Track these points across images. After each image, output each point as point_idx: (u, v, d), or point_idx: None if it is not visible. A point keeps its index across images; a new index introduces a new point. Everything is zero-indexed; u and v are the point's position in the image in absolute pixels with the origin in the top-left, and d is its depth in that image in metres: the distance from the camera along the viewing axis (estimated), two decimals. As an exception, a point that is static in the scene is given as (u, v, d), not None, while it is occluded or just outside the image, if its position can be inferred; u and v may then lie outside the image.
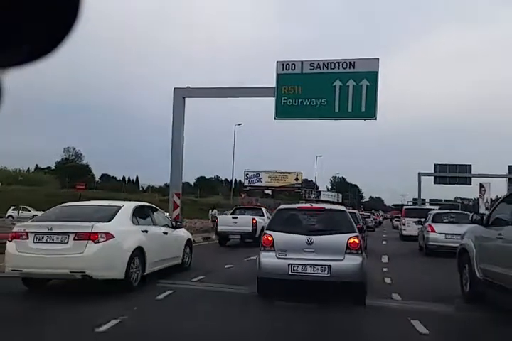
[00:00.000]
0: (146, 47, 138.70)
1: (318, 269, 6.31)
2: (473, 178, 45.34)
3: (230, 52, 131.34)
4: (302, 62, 17.92)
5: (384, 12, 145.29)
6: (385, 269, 10.25)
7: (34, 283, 7.00)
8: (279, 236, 6.63)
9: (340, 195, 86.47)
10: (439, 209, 22.54)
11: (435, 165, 44.97)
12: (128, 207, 7.65)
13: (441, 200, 70.36)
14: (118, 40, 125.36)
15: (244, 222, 15.91)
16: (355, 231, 6.69)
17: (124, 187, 55.65)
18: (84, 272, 6.39)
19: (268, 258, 6.57)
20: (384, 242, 19.44)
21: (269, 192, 73.62)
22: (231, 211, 19.09)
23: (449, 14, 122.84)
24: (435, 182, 44.85)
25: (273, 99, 18.13)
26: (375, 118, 17.50)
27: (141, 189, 77.53)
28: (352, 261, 6.36)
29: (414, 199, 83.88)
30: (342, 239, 6.48)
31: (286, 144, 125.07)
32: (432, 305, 6.45)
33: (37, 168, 76.87)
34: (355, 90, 17.53)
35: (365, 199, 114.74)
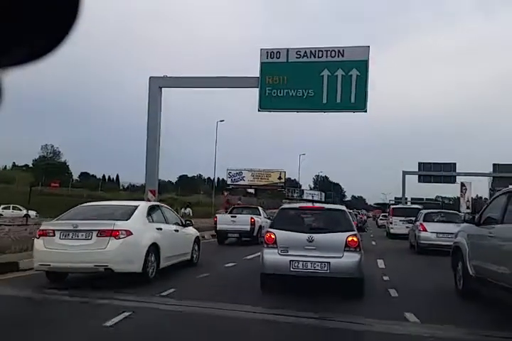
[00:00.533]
0: (128, 42, 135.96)
1: (318, 266, 6.51)
2: (457, 177, 44.35)
3: (215, 49, 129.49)
4: (288, 49, 16.60)
5: (368, 12, 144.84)
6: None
7: (55, 276, 7.37)
8: (281, 234, 6.84)
9: (323, 194, 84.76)
10: (423, 208, 22.09)
11: (419, 163, 44.06)
12: (143, 206, 8.09)
13: (422, 199, 69.93)
14: (111, 41, 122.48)
15: (242, 221, 16.09)
16: (353, 230, 6.88)
17: (102, 186, 53.58)
18: (106, 265, 6.83)
19: (271, 255, 6.75)
20: (373, 242, 18.62)
21: (252, 190, 72.54)
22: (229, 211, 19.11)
23: (428, 16, 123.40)
24: (419, 181, 43.95)
25: (257, 91, 16.70)
26: (365, 111, 16.27)
27: (121, 187, 75.68)
28: (350, 258, 6.54)
29: (396, 198, 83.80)
30: (341, 237, 6.67)
31: (269, 143, 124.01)
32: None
33: (14, 165, 74.10)
34: (344, 80, 16.28)
35: (347, 198, 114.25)
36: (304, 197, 75.19)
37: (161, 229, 8.07)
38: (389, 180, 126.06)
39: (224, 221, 16.44)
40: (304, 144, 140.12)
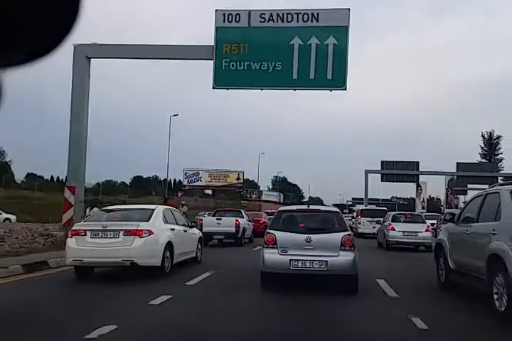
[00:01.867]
0: None
1: (316, 264, 6.81)
2: (420, 175, 42.23)
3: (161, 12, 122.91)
4: (250, 12, 13.07)
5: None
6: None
7: (83, 271, 8.10)
8: (280, 235, 7.12)
9: (282, 195, 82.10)
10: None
11: (382, 162, 41.55)
12: (159, 209, 8.91)
13: (378, 200, 68.48)
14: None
15: (228, 223, 16.41)
16: (348, 230, 7.22)
17: (42, 186, 48.26)
18: (132, 260, 7.62)
19: (271, 255, 7.04)
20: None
21: (209, 191, 69.32)
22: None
23: (390, 22, 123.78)
24: (382, 180, 41.46)
25: (211, 64, 13.00)
26: (345, 89, 12.91)
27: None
28: (346, 256, 6.85)
29: (353, 199, 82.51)
30: (337, 236, 6.99)
31: (227, 142, 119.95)
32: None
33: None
34: (319, 51, 12.87)
35: (305, 199, 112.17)
36: (263, 198, 72.93)
37: (173, 229, 8.78)
38: (348, 180, 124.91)
39: (210, 223, 16.48)
40: (263, 144, 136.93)
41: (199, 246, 10.41)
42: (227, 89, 13.34)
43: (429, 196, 78.60)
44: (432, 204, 78.45)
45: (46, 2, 0.73)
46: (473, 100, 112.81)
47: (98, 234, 7.75)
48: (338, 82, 12.76)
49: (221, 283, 7.78)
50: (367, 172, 41.96)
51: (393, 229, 15.79)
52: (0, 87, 0.78)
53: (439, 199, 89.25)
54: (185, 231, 9.66)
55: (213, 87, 13.20)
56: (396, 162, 41.45)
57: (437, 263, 7.86)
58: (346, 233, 7.07)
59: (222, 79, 13.04)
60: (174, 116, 39.98)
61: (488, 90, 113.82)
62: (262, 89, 13.35)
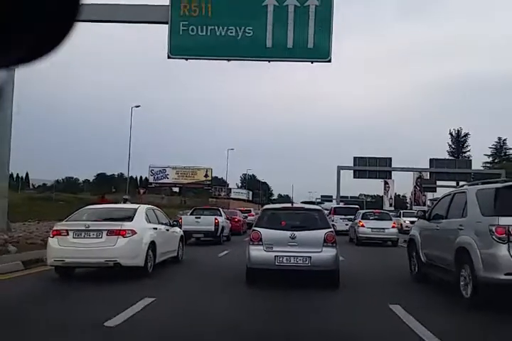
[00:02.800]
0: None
1: (300, 260, 6.98)
2: (393, 172, 40.58)
3: None
4: (214, -36, 10.36)
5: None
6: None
7: (64, 271, 7.87)
8: (266, 232, 7.25)
9: (251, 193, 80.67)
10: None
11: (354, 158, 39.73)
12: (142, 208, 8.81)
13: (347, 197, 67.20)
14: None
15: (207, 222, 16.34)
16: (330, 227, 7.44)
17: None
18: (116, 260, 7.43)
19: (257, 251, 7.16)
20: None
21: (176, 189, 66.57)
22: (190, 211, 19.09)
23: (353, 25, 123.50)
24: (355, 177, 39.63)
25: (166, 28, 10.35)
26: (329, 60, 10.52)
27: (32, 186, 66.62)
28: (328, 252, 7.06)
29: (322, 196, 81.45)
30: (320, 233, 7.17)
31: (195, 138, 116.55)
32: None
33: None
34: (298, 14, 10.40)
35: (274, 197, 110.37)
36: (232, 196, 71.03)
37: (156, 228, 8.61)
38: (318, 178, 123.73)
39: (189, 222, 16.25)
40: (231, 140, 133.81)
41: (180, 245, 10.28)
42: (186, 59, 10.72)
43: (395, 193, 78.21)
44: (399, 202, 78.24)
45: (46, 2, 0.73)
46: (445, 99, 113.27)
47: (81, 234, 7.60)
48: (321, 51, 10.40)
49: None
50: (339, 168, 40.03)
51: (363, 225, 16.83)
52: (0, 87, 0.79)
53: (405, 197, 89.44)
54: (167, 230, 9.50)
55: (169, 57, 10.57)
56: (369, 158, 39.62)
57: (410, 256, 8.41)
58: (329, 230, 7.30)
59: (180, 47, 10.45)
60: (136, 107, 36.75)
61: (456, 90, 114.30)
62: (228, 60, 10.80)
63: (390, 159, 40.02)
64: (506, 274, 5.28)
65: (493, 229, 5.49)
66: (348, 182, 45.98)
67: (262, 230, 7.31)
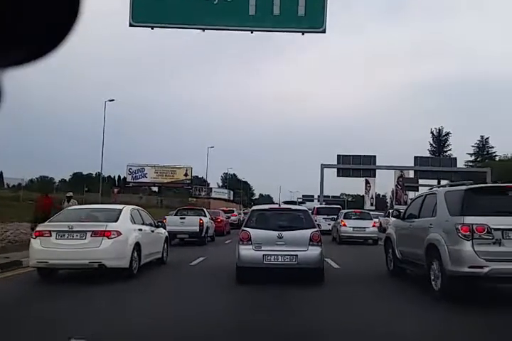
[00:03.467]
0: None
1: (287, 258, 7.30)
2: (377, 170, 39.16)
3: None
4: None
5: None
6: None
7: (46, 273, 7.76)
8: (254, 232, 7.55)
9: (232, 192, 79.00)
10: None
11: (338, 156, 38.18)
12: (127, 209, 8.64)
13: (329, 196, 66.06)
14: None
15: (191, 222, 16.01)
16: (315, 227, 7.80)
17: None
18: (100, 262, 7.34)
19: (246, 251, 7.44)
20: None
21: (155, 188, 64.38)
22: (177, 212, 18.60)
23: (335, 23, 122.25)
24: (338, 175, 38.10)
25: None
26: (323, 31, 8.77)
27: (6, 186, 63.51)
28: (314, 251, 7.40)
29: (304, 196, 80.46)
30: (306, 233, 7.51)
31: (175, 137, 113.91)
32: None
33: None
34: (286, -27, 8.54)
35: (255, 197, 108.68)
36: (213, 196, 69.29)
37: (141, 229, 8.51)
38: (299, 177, 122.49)
39: (173, 222, 15.75)
40: (213, 140, 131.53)
41: (165, 247, 10.15)
42: (152, 27, 8.95)
43: (376, 193, 77.57)
44: (379, 201, 77.64)
45: (46, 2, 0.72)
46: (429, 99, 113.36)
47: (64, 235, 7.46)
48: (314, 19, 8.74)
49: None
50: (323, 166, 38.46)
51: (345, 225, 17.57)
52: (0, 87, 0.77)
53: (384, 196, 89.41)
54: (152, 231, 9.39)
55: (130, 25, 8.91)
56: (353, 156, 38.08)
57: (386, 253, 9.00)
58: (314, 230, 7.66)
59: (144, 12, 8.58)
60: (110, 101, 34.41)
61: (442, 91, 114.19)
62: (203, 30, 8.95)
63: (375, 157, 38.82)
64: (470, 267, 5.83)
65: (459, 227, 5.97)
66: (329, 182, 44.97)
67: (251, 230, 7.57)
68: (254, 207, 8.90)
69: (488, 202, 6.32)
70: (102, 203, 27.08)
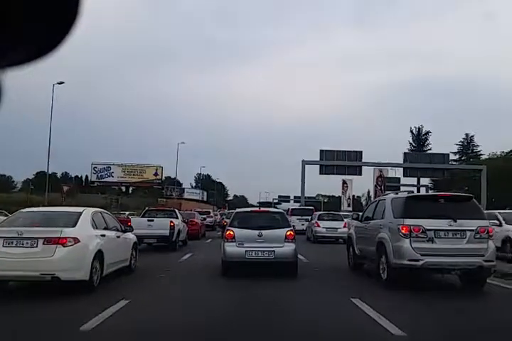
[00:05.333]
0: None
1: (266, 253, 8.42)
2: (363, 167, 34.45)
3: None
4: None
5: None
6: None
7: None
8: (238, 231, 8.69)
9: (205, 193, 75.19)
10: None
11: (321, 151, 33.51)
12: (87, 212, 7.78)
13: (305, 197, 61.38)
14: None
15: (160, 225, 14.19)
16: (290, 226, 9.09)
17: None
18: (53, 274, 6.44)
19: (230, 247, 8.56)
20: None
21: (124, 189, 58.79)
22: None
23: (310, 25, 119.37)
24: (321, 172, 33.42)
25: None
26: None
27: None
28: (289, 247, 8.54)
29: (279, 197, 77.24)
30: (282, 231, 8.67)
31: (145, 137, 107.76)
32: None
33: None
34: None
35: (229, 198, 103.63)
36: (185, 197, 64.73)
37: (104, 235, 7.67)
38: (275, 178, 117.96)
39: (139, 225, 13.58)
40: (186, 139, 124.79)
41: (133, 253, 9.39)
42: None
43: (353, 195, 74.01)
44: (356, 203, 74.23)
45: (46, 2, 0.71)
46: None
47: (12, 242, 6.49)
48: None
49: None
50: (304, 163, 33.72)
51: (319, 225, 19.05)
52: (0, 87, 0.76)
53: (359, 197, 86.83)
54: (118, 236, 8.55)
55: None
56: (337, 151, 33.29)
57: (348, 250, 10.44)
58: (289, 229, 8.81)
59: None
60: (59, 84, 28.48)
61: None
62: None
63: (361, 153, 34.33)
64: (409, 260, 7.15)
65: (400, 227, 7.28)
66: (306, 182, 40.31)
67: (235, 229, 8.70)
68: (238, 210, 10.05)
69: (424, 208, 7.62)
70: (50, 205, 23.52)
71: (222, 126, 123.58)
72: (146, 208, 19.06)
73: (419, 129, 57.62)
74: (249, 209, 10.18)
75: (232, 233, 8.43)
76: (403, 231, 7.03)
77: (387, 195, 9.37)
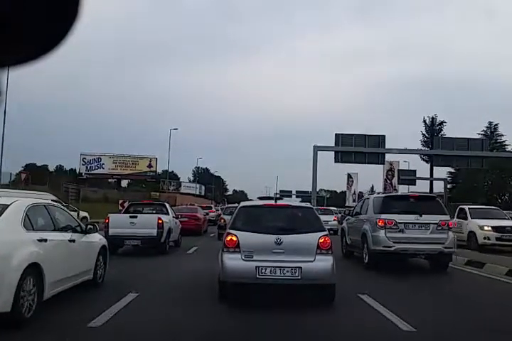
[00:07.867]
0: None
1: (288, 271, 5.48)
2: (387, 154, 27.82)
3: None
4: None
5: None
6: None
7: None
8: (244, 236, 5.68)
9: (203, 187, 71.32)
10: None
11: (336, 135, 26.50)
12: (19, 205, 5.26)
13: (307, 192, 55.47)
14: None
15: (146, 223, 11.15)
16: (324, 230, 5.97)
17: None
18: None
19: (233, 261, 5.56)
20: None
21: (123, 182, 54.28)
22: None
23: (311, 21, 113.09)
24: (336, 160, 26.61)
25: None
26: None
27: None
28: (323, 261, 5.61)
29: (281, 191, 71.95)
30: (312, 238, 5.69)
31: (142, 131, 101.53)
32: None
33: None
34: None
35: (229, 192, 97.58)
36: (182, 191, 62.25)
37: (45, 240, 5.25)
38: (276, 172, 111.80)
39: (119, 223, 11.23)
40: (185, 133, 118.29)
41: (101, 261, 6.97)
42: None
43: (357, 191, 68.71)
44: (358, 198, 67.90)
45: (46, 2, 0.71)
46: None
47: None
48: None
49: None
50: (316, 148, 26.58)
51: None
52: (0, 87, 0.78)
53: (361, 192, 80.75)
54: (73, 240, 6.01)
55: None
56: (356, 135, 26.30)
57: (341, 241, 12.01)
58: (323, 233, 5.74)
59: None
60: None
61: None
62: None
63: (384, 137, 27.37)
64: (383, 247, 8.93)
65: (377, 221, 9.12)
66: (307, 178, 34.62)
67: (239, 233, 5.63)
68: (243, 203, 6.61)
69: (397, 205, 9.53)
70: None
71: (224, 121, 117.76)
72: (128, 202, 16.80)
73: (433, 119, 52.05)
74: (260, 202, 6.72)
75: (234, 239, 5.42)
76: (379, 223, 8.95)
77: (373, 194, 13.53)
